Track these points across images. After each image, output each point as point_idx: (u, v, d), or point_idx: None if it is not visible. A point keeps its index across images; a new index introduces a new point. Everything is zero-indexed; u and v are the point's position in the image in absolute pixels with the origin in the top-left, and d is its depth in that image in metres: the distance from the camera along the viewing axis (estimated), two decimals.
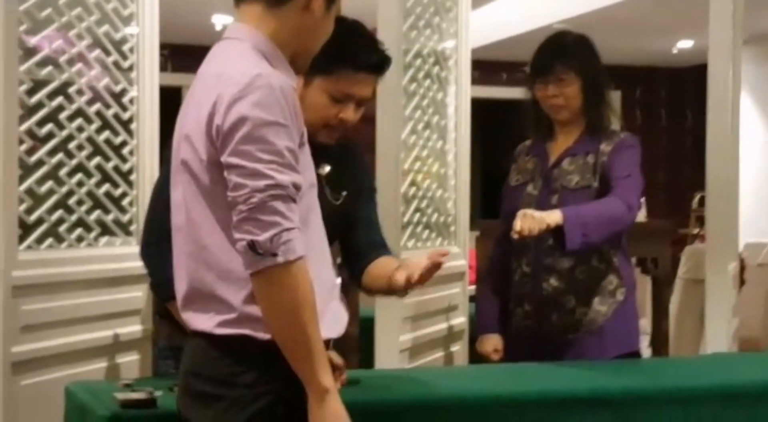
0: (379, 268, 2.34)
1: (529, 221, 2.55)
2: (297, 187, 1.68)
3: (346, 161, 2.44)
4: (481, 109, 10.08)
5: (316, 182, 1.83)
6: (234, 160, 1.65)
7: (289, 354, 1.68)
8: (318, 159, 2.34)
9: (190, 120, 1.74)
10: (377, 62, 2.29)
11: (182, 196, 1.77)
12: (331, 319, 1.83)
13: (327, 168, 2.39)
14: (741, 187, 8.12)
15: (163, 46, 8.06)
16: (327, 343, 1.82)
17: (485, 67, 8.82)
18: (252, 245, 1.63)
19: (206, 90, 1.72)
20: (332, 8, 1.84)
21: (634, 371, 2.65)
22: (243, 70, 1.69)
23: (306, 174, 1.76)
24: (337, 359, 2.16)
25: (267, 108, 1.65)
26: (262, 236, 1.63)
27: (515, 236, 2.56)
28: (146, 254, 2.43)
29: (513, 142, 3.12)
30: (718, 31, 3.30)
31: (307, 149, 1.79)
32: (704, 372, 2.68)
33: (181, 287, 1.81)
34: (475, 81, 9.55)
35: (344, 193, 2.41)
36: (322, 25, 1.84)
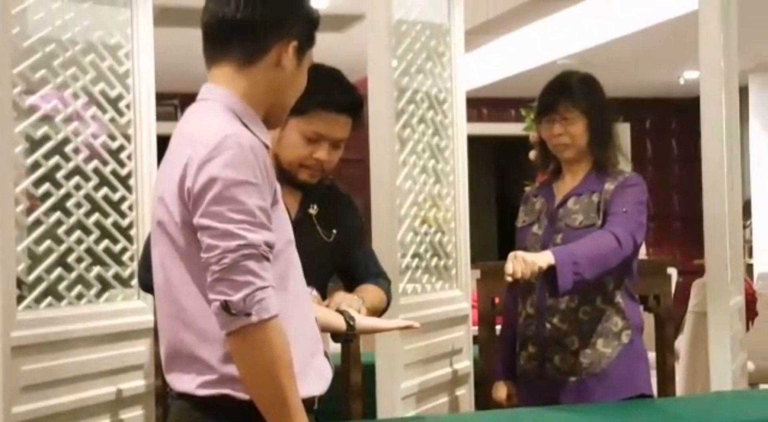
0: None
1: (520, 263, 2.54)
2: (270, 245, 1.68)
3: (333, 201, 2.53)
4: (494, 146, 10.14)
5: (293, 239, 1.84)
6: (205, 221, 1.67)
7: (267, 412, 1.69)
8: (307, 200, 2.47)
9: (165, 182, 1.76)
10: (349, 103, 2.36)
11: (160, 257, 1.78)
12: (315, 375, 1.83)
13: (316, 208, 2.48)
14: (754, 217, 8.07)
15: (174, 96, 8.14)
16: (312, 400, 1.82)
17: (493, 105, 8.87)
18: (225, 306, 1.64)
19: (178, 152, 1.74)
20: (303, 62, 1.86)
21: (632, 414, 2.62)
22: (212, 132, 1.71)
23: (282, 231, 1.77)
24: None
25: (237, 168, 1.67)
26: (236, 296, 1.64)
27: (508, 278, 2.56)
28: (145, 287, 2.44)
29: (529, 178, 3.13)
30: (708, 62, 3.28)
31: (281, 207, 1.80)
32: (701, 413, 2.65)
33: (162, 349, 1.81)
34: (484, 118, 9.65)
35: (335, 231, 2.50)
36: (294, 79, 1.86)
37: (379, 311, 2.49)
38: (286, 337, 1.68)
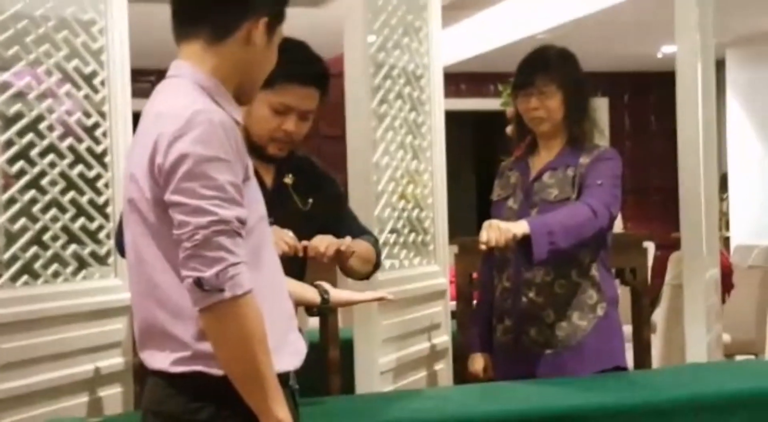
0: None
1: (495, 231, 2.56)
2: (241, 221, 1.68)
3: (307, 172, 2.56)
4: (472, 121, 10.13)
5: (266, 215, 1.83)
6: (177, 198, 1.65)
7: (242, 387, 1.68)
8: (281, 170, 2.49)
9: (135, 159, 1.75)
10: (315, 75, 2.38)
11: (132, 235, 1.77)
12: (290, 351, 1.83)
13: (291, 177, 2.50)
14: (731, 191, 8.10)
15: (151, 73, 8.04)
16: (287, 375, 1.82)
17: (472, 80, 8.85)
18: (198, 282, 1.63)
19: (148, 129, 1.73)
20: (274, 38, 1.84)
21: (607, 386, 2.64)
22: (182, 108, 1.69)
23: (254, 208, 1.76)
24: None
25: (207, 144, 1.66)
26: (208, 273, 1.63)
27: (482, 246, 2.57)
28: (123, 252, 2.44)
29: (506, 153, 3.14)
30: (683, 37, 3.29)
31: (254, 183, 1.79)
32: (675, 385, 2.68)
33: (136, 326, 1.81)
34: (462, 94, 9.60)
35: (311, 200, 2.52)
36: (265, 55, 1.84)
37: (370, 262, 2.52)
38: (259, 312, 1.67)
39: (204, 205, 1.64)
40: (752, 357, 5.76)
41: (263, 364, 1.67)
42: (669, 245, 6.86)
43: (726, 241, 7.77)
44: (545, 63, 2.94)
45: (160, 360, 1.75)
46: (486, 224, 2.60)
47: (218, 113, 1.71)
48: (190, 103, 1.70)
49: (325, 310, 2.32)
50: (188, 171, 1.65)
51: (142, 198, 1.72)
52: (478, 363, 3.02)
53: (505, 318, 2.92)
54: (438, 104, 3.54)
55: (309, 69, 2.38)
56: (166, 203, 1.67)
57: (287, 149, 2.44)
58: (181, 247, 1.65)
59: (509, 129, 3.23)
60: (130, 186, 1.75)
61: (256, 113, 2.35)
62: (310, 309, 2.35)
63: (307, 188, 2.52)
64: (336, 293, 2.30)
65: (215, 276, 1.63)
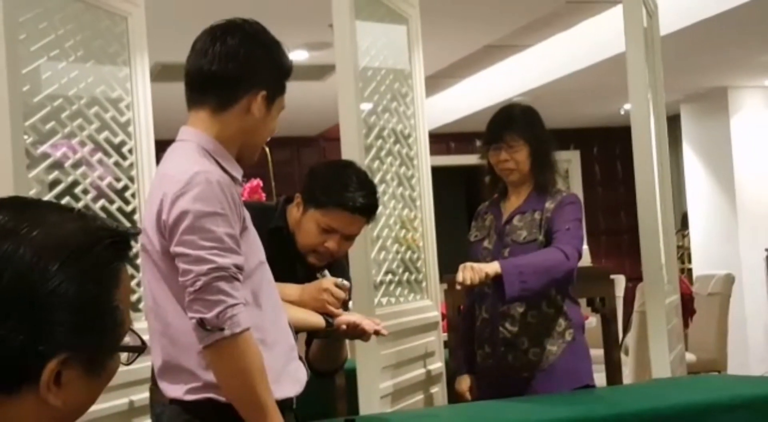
0: None
1: (469, 271, 2.54)
2: (239, 267, 1.67)
3: (338, 269, 2.50)
4: (462, 173, 10.11)
5: (265, 260, 1.82)
6: (180, 249, 1.65)
7: (244, 413, 1.67)
8: (317, 268, 2.43)
9: (146, 215, 1.75)
10: (365, 207, 2.29)
11: (147, 281, 1.76)
12: (291, 379, 1.81)
13: (323, 273, 2.43)
14: (691, 227, 8.04)
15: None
16: (290, 400, 1.79)
17: (459, 139, 8.87)
18: (201, 322, 1.62)
19: (156, 189, 1.73)
20: (273, 108, 1.84)
21: (578, 402, 2.60)
22: (184, 169, 1.69)
23: (253, 254, 1.75)
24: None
25: (205, 201, 1.65)
26: (209, 314, 1.62)
27: (458, 286, 2.55)
28: None
29: (489, 198, 3.13)
30: (636, 95, 3.28)
31: (252, 232, 1.78)
32: (637, 399, 2.64)
33: (156, 361, 1.79)
34: (452, 151, 9.59)
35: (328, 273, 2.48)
36: (264, 123, 1.84)
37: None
38: (257, 347, 1.66)
39: (203, 254, 1.63)
40: (716, 373, 5.69)
41: (261, 392, 1.65)
42: (638, 277, 6.82)
43: (689, 272, 7.72)
44: (512, 120, 2.94)
45: (175, 390, 1.74)
46: (461, 266, 2.58)
47: (216, 172, 1.71)
48: (191, 165, 1.70)
49: (330, 333, 2.27)
50: (189, 225, 1.64)
51: (153, 249, 1.72)
52: (464, 383, 2.99)
53: (485, 346, 2.90)
54: (425, 159, 3.53)
55: (361, 201, 2.29)
56: (172, 254, 1.66)
57: (325, 262, 2.37)
58: (186, 292, 1.64)
59: (487, 178, 3.22)
60: (143, 238, 1.75)
61: (305, 226, 2.29)
62: (317, 333, 2.31)
63: (332, 272, 2.47)
64: (340, 316, 2.27)
65: (216, 317, 1.62)
